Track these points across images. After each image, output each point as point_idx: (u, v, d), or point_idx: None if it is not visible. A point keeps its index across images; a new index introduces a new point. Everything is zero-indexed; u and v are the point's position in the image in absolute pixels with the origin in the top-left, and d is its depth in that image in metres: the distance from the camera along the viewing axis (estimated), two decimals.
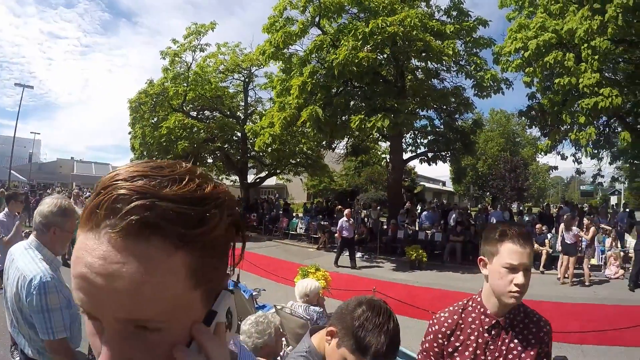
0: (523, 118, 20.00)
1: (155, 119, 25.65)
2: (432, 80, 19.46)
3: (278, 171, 29.15)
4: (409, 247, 14.66)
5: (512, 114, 48.22)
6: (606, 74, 15.15)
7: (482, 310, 1.89)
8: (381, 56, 16.75)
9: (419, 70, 19.34)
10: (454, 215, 18.15)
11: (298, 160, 26.88)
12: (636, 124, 18.53)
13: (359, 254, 15.64)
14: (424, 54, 16.02)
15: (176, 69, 24.60)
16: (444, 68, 18.95)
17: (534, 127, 19.98)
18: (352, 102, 17.69)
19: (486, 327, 1.85)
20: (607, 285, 12.03)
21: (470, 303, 1.95)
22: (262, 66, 24.85)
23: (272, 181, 37.56)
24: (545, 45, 13.88)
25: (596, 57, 13.07)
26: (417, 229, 18.24)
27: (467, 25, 17.31)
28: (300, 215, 22.45)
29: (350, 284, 9.36)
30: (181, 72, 24.54)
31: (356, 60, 14.32)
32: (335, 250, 15.51)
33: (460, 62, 18.24)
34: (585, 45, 13.27)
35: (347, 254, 14.44)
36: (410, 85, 18.43)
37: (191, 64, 24.97)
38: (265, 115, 20.36)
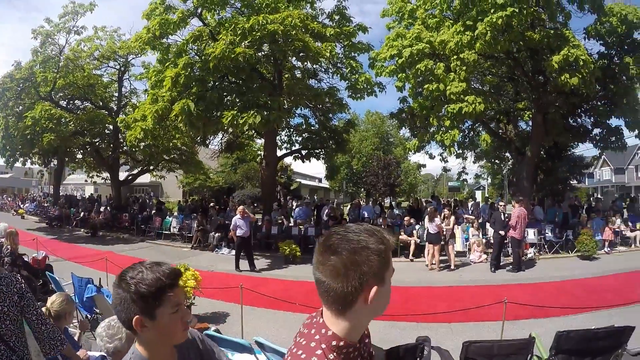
0: (395, 120, 21.27)
1: (20, 108, 22.99)
2: (309, 80, 19.99)
3: (151, 167, 27.97)
4: (282, 243, 14.85)
5: (386, 116, 51.91)
6: (473, 84, 16.69)
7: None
8: (260, 53, 16.79)
9: (297, 69, 19.83)
10: (326, 210, 18.76)
11: (172, 156, 25.88)
12: (497, 129, 20.79)
13: (233, 252, 15.09)
14: (302, 54, 16.35)
15: (47, 51, 22.07)
16: (322, 69, 19.63)
17: (404, 128, 21.37)
18: (227, 98, 17.45)
19: None
20: (472, 268, 13.39)
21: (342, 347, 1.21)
22: (139, 55, 23.66)
23: (146, 178, 35.82)
24: (418, 53, 15.03)
25: (464, 68, 14.42)
26: (291, 224, 18.46)
27: (347, 30, 18.00)
28: (175, 213, 21.56)
29: (224, 282, 9.31)
30: (52, 55, 22.11)
31: (233, 55, 14.21)
32: (216, 248, 15.85)
33: (338, 65, 18.95)
34: (455, 56, 14.53)
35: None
36: (286, 84, 18.64)
37: (64, 48, 22.57)
38: (138, 108, 19.22)
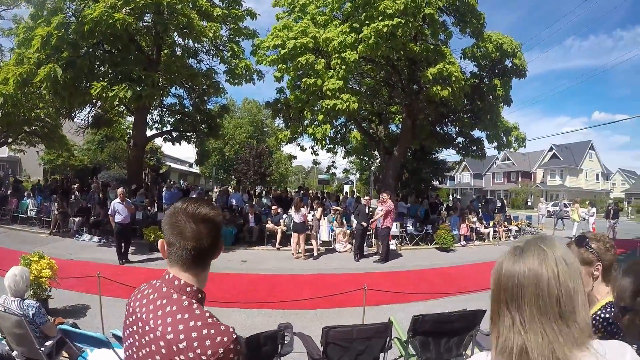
0: (270, 109, 21.38)
1: None
2: (189, 59, 19.31)
3: (10, 140, 24.84)
4: (147, 229, 13.51)
5: (262, 104, 51.67)
6: (350, 84, 17.16)
7: None
8: (141, 23, 15.79)
9: (178, 46, 19.01)
10: (194, 195, 18.15)
11: (33, 128, 23.31)
12: (369, 128, 21.73)
13: (95, 239, 14.48)
14: (185, 31, 15.63)
15: None
16: (204, 49, 19.15)
17: (278, 118, 21.52)
18: (99, 67, 16.08)
19: None
20: (337, 257, 13.97)
21: None
22: (11, 6, 21.12)
23: (3, 152, 32.23)
24: (302, 47, 15.17)
25: (344, 67, 14.74)
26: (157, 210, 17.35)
27: (235, 13, 17.73)
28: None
29: (84, 271, 8.53)
30: None
31: (111, 21, 13.04)
32: (77, 234, 14.64)
33: (220, 47, 18.58)
34: (337, 55, 14.84)
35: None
36: (165, 60, 17.82)
37: None
38: (0, 69, 16.78)
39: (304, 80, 15.45)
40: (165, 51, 18.30)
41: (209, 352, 1.32)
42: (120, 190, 12.33)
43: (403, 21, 13.62)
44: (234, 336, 1.38)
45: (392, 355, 4.55)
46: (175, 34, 16.68)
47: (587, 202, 35.44)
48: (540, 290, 1.10)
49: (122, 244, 11.61)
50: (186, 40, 17.49)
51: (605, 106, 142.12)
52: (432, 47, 15.70)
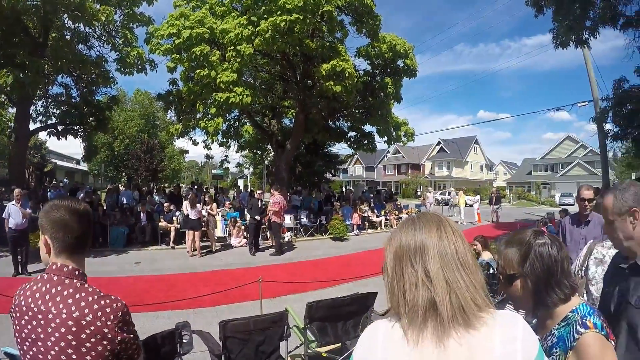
0: (162, 102, 20.58)
1: None
2: (79, 44, 18.01)
3: None
4: (33, 234, 11.17)
5: (154, 96, 49.26)
6: (245, 77, 17.03)
7: None
8: (29, 2, 14.40)
9: (67, 30, 17.63)
10: (81, 195, 16.97)
11: None
12: (262, 122, 21.70)
13: None
14: (76, 13, 14.64)
15: None
16: (95, 35, 18.00)
17: (170, 111, 20.72)
18: None
19: None
20: (233, 252, 13.87)
21: None
22: None
23: None
24: (197, 37, 14.78)
25: (239, 59, 14.60)
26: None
27: None
28: None
29: None
30: None
31: None
32: None
33: (112, 33, 17.63)
34: (233, 47, 14.66)
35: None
36: (52, 44, 16.53)
37: None
38: None
39: (197, 71, 15.04)
40: (53, 35, 16.81)
41: (112, 316, 1.62)
42: (17, 191, 10.61)
43: (301, 17, 13.72)
44: (123, 302, 1.69)
45: (294, 343, 4.68)
46: (65, 15, 15.51)
47: (472, 191, 38.88)
48: (442, 246, 1.20)
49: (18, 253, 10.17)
50: (76, 24, 16.35)
51: (490, 106, 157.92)
52: (327, 44, 16.05)
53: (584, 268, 2.99)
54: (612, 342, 1.52)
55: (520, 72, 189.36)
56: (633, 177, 24.02)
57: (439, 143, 69.58)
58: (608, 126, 17.00)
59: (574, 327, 1.53)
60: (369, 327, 1.30)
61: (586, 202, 4.72)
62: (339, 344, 4.75)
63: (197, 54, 14.78)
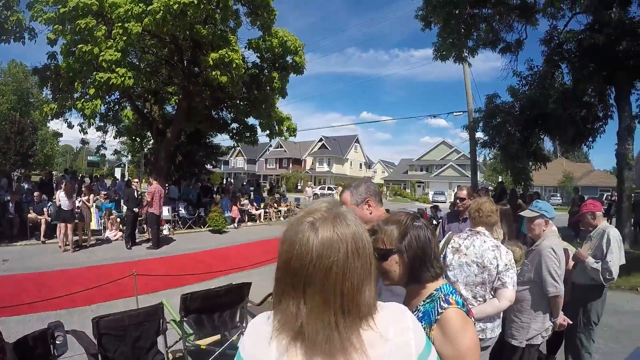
0: (37, 77, 18.71)
1: None
2: None
3: None
4: None
5: (31, 70, 44.23)
6: (130, 58, 16.09)
7: None
8: None
9: None
10: None
11: None
12: (143, 108, 20.71)
13: None
14: None
15: None
16: None
17: (46, 88, 18.92)
18: None
19: None
20: (108, 247, 13.10)
21: None
22: None
23: None
24: (84, 8, 13.58)
25: (125, 38, 13.70)
26: None
27: None
28: None
29: None
30: None
31: None
32: None
33: None
34: (120, 24, 13.72)
35: None
36: None
37: None
38: None
39: (79, 46, 13.76)
40: None
41: None
42: None
43: (196, 2, 13.24)
44: None
45: (174, 338, 4.60)
46: None
47: None
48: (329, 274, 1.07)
49: None
50: None
51: (373, 108, 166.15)
52: (219, 32, 15.67)
53: (441, 256, 3.30)
54: (472, 319, 1.69)
55: (405, 80, 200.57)
56: (500, 180, 26.66)
57: (321, 140, 71.65)
58: (479, 134, 18.77)
59: (438, 303, 1.67)
60: (256, 320, 1.26)
61: (458, 201, 5.41)
62: (219, 336, 4.74)
63: (81, 27, 13.58)
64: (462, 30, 15.08)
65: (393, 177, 73.59)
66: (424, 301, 1.74)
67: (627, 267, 10.04)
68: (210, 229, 16.70)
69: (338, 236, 1.08)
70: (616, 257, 4.27)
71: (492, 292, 3.17)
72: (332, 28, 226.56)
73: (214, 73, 14.80)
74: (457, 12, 14.63)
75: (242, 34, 18.44)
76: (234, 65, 14.88)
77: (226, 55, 14.63)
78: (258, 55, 18.78)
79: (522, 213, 4.29)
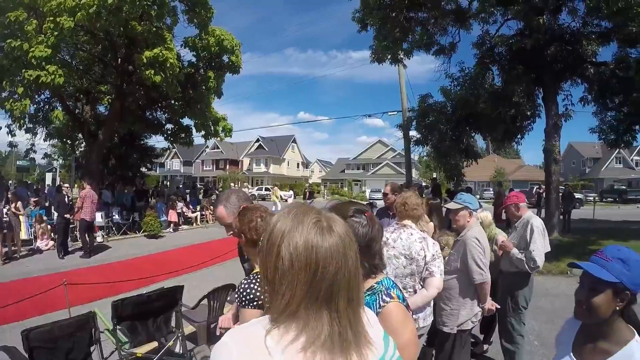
0: None
1: None
2: None
3: None
4: None
5: None
6: (62, 55, 15.38)
7: None
8: None
9: None
10: None
11: None
12: (75, 108, 19.83)
13: None
14: None
15: None
16: None
17: None
18: None
19: None
20: (39, 257, 12.38)
21: None
22: None
23: None
24: (15, 1, 12.97)
25: (56, 33, 13.02)
26: None
27: None
28: None
29: None
30: None
31: None
32: None
33: None
34: (52, 18, 13.02)
35: None
36: None
37: None
38: None
39: (8, 41, 13.05)
40: None
41: None
42: None
43: None
44: None
45: (110, 348, 4.45)
46: None
47: (288, 186, 41.33)
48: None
49: None
50: None
51: (311, 108, 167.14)
52: (154, 29, 15.17)
53: None
54: (411, 313, 1.79)
55: (343, 80, 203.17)
56: (434, 176, 27.60)
57: (257, 140, 71.85)
58: (412, 133, 19.32)
59: (380, 296, 1.75)
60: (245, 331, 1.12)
61: (383, 197, 5.74)
62: (156, 343, 4.65)
63: (11, 20, 12.97)
64: (398, 34, 15.42)
65: (330, 177, 74.56)
66: (365, 293, 1.75)
67: (557, 253, 11.09)
68: (146, 234, 16.24)
69: (346, 233, 1.07)
70: (540, 246, 4.50)
71: (421, 283, 3.30)
72: (271, 28, 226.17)
73: (147, 72, 14.39)
74: (393, 15, 14.93)
75: (178, 32, 18.01)
76: (168, 65, 14.58)
77: (160, 54, 14.30)
78: (194, 53, 18.42)
79: (446, 206, 4.49)
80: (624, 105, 15.68)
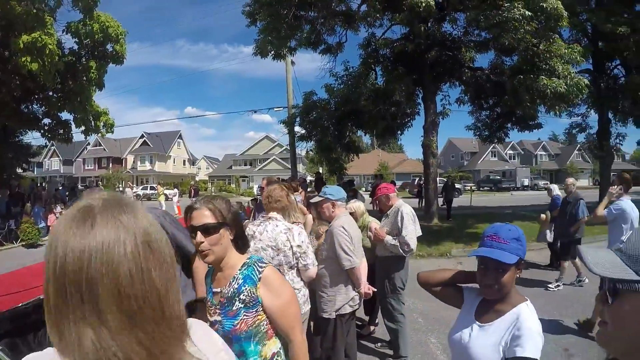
0: None
1: None
2: None
3: None
4: None
5: None
6: None
7: None
8: None
9: None
10: None
11: None
12: None
13: None
14: None
15: None
16: None
17: None
18: None
19: None
20: None
21: None
22: None
23: None
24: None
25: None
26: None
27: None
28: None
29: None
30: None
31: None
32: None
33: None
34: None
35: None
36: None
37: None
38: None
39: None
40: None
41: None
42: None
43: None
44: None
45: None
46: None
47: (174, 184, 40.19)
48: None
49: None
50: None
51: (199, 103, 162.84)
52: (33, 11, 13.93)
53: None
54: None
55: (232, 75, 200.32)
56: (320, 170, 28.31)
57: (142, 136, 68.41)
58: (297, 129, 19.71)
59: (255, 267, 2.01)
60: None
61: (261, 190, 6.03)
62: None
63: None
64: (284, 31, 15.61)
65: (217, 173, 74.08)
66: (239, 270, 2.02)
67: (437, 237, 12.29)
68: (24, 243, 14.90)
69: (122, 224, 0.83)
70: (412, 231, 4.86)
71: (290, 272, 3.45)
72: (162, 18, 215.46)
73: (23, 59, 13.32)
74: (284, 12, 15.07)
75: (61, 17, 16.57)
76: (47, 52, 13.54)
77: (39, 39, 13.29)
78: (76, 40, 17.17)
79: (311, 200, 4.79)
80: (497, 106, 17.66)
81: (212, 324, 2.01)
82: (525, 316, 1.80)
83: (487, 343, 1.84)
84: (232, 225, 2.02)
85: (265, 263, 2.04)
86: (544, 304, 6.75)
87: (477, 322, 1.94)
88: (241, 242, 2.11)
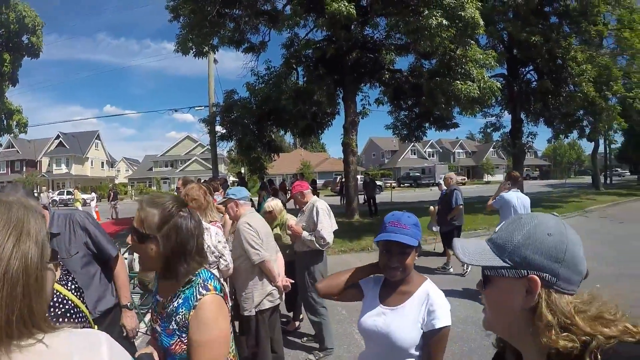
0: None
1: None
2: None
3: None
4: None
5: None
6: None
7: None
8: None
9: None
10: None
11: None
12: None
13: None
14: None
15: None
16: None
17: None
18: None
19: None
20: None
21: None
22: None
23: None
24: None
25: None
26: None
27: None
28: None
29: None
30: None
31: None
32: None
33: None
34: None
35: None
36: None
37: None
38: None
39: None
40: None
41: None
42: None
43: None
44: None
45: None
46: None
47: (91, 188, 38.49)
48: None
49: None
50: None
51: (118, 101, 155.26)
52: None
53: None
54: (229, 304, 1.86)
55: (154, 72, 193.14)
56: (242, 171, 28.23)
57: (57, 137, 64.20)
58: (218, 128, 19.58)
59: (197, 289, 1.71)
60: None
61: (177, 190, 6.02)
62: None
63: None
64: (207, 28, 15.41)
65: (138, 175, 71.96)
66: (183, 287, 1.75)
67: (358, 232, 12.70)
68: None
69: None
70: (327, 225, 5.07)
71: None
72: (81, 9, 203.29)
73: None
74: (208, 9, 14.84)
75: None
76: None
77: None
78: None
79: (216, 203, 4.94)
80: (416, 106, 18.63)
81: (153, 331, 1.86)
82: (433, 292, 2.04)
83: (404, 324, 1.99)
84: (164, 242, 1.68)
85: (209, 290, 1.72)
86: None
87: (387, 307, 2.08)
88: (180, 264, 1.72)
